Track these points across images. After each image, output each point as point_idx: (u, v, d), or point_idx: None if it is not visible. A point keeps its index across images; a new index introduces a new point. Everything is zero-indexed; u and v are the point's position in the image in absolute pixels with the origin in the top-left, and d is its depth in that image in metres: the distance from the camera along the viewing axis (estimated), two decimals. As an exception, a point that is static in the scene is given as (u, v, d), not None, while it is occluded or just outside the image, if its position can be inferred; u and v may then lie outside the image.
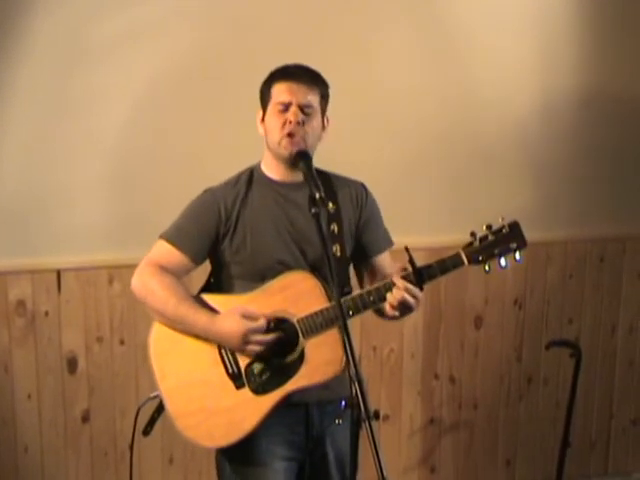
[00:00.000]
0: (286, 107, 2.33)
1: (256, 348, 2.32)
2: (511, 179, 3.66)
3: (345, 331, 2.06)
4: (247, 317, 2.31)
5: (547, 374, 3.89)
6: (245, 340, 2.30)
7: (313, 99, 2.36)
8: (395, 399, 3.71)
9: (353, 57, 3.41)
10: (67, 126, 3.17)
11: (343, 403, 2.05)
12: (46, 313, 3.23)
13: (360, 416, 1.99)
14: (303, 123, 2.33)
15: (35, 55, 3.08)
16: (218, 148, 3.22)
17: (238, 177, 2.46)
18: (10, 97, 3.10)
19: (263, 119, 2.40)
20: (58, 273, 3.22)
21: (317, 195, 2.20)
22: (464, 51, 3.56)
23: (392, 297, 2.29)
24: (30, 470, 3.32)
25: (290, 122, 2.32)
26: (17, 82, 3.09)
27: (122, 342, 3.31)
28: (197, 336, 2.36)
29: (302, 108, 2.34)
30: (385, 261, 2.55)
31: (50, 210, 3.20)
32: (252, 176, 2.45)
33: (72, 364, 3.29)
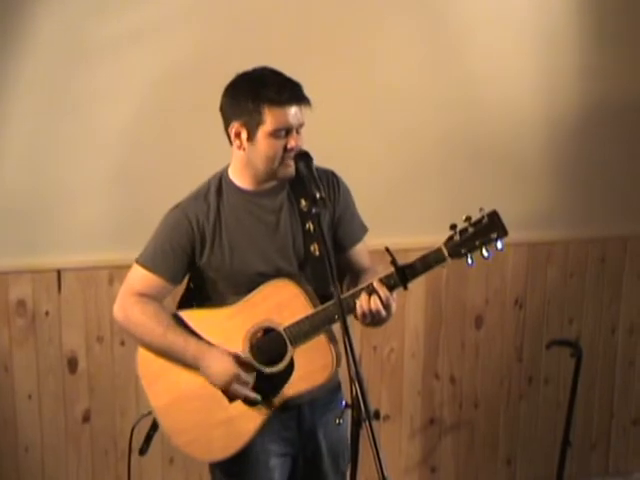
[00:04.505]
0: (285, 132, 2.26)
1: (234, 394, 2.32)
2: (512, 180, 3.66)
3: (345, 330, 2.05)
4: (239, 363, 2.29)
5: (548, 374, 3.89)
6: (228, 385, 2.29)
7: (304, 115, 2.30)
8: (395, 399, 3.71)
9: (354, 59, 3.40)
10: (68, 126, 3.16)
11: (343, 403, 2.06)
12: (46, 313, 3.23)
13: (360, 416, 1.99)
14: (301, 144, 2.29)
15: (38, 53, 3.08)
16: (220, 148, 3.20)
17: (207, 189, 2.39)
18: (12, 96, 3.09)
19: (249, 138, 2.28)
20: (58, 273, 3.22)
21: (318, 195, 2.19)
22: (465, 52, 3.55)
23: (365, 304, 2.25)
24: (30, 470, 3.32)
25: (292, 149, 2.26)
26: (19, 81, 3.09)
27: (122, 342, 3.31)
28: (184, 364, 2.34)
29: (298, 129, 2.29)
30: (361, 251, 2.51)
31: (51, 210, 3.20)
32: (221, 186, 2.39)
33: (72, 364, 3.29)
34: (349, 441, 2.09)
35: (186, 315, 2.39)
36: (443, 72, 3.54)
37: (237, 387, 2.29)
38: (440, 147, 3.58)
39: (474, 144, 3.62)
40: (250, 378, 2.31)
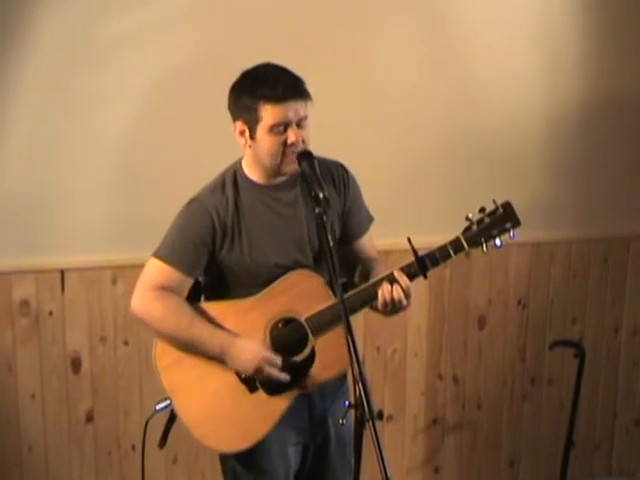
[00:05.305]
0: (283, 128, 2.27)
1: (267, 377, 2.33)
2: (514, 180, 3.65)
3: (349, 331, 2.06)
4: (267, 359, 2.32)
5: (551, 374, 3.89)
6: (259, 370, 2.31)
7: (304, 108, 2.30)
8: (399, 399, 3.71)
9: (354, 59, 3.40)
10: (70, 126, 3.17)
11: (347, 403, 2.07)
12: (50, 313, 3.23)
13: (364, 416, 1.99)
14: (302, 138, 2.30)
15: (39, 55, 3.08)
16: (222, 148, 3.20)
17: (222, 182, 2.41)
18: (14, 97, 3.10)
19: (252, 136, 2.31)
20: (62, 273, 3.22)
21: (321, 195, 2.19)
22: (466, 52, 3.55)
23: (387, 293, 2.31)
24: (34, 469, 3.32)
25: (293, 144, 2.28)
26: (21, 82, 3.09)
27: (126, 342, 3.31)
28: (210, 357, 2.35)
29: (298, 123, 2.29)
30: (368, 241, 2.56)
31: (54, 210, 3.20)
32: (236, 180, 2.40)
33: (76, 364, 3.29)
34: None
35: (207, 307, 2.40)
36: (444, 72, 3.53)
37: (268, 369, 2.31)
38: (441, 147, 3.58)
39: (475, 144, 3.61)
40: (279, 359, 2.32)
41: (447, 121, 3.56)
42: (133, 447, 3.37)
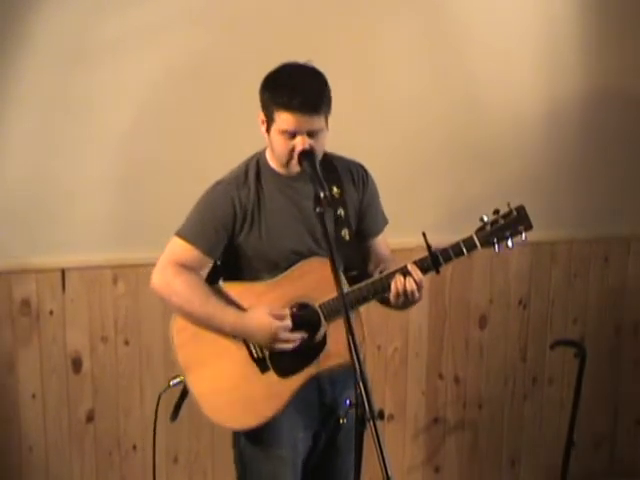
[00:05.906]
0: (293, 134, 2.32)
1: (285, 346, 2.37)
2: (515, 180, 3.65)
3: (349, 331, 2.07)
4: (275, 316, 2.36)
5: (552, 374, 3.89)
6: (274, 338, 2.35)
7: (319, 122, 2.34)
8: (399, 399, 3.71)
9: (356, 62, 3.40)
10: (71, 126, 3.16)
11: (348, 402, 2.07)
12: (50, 312, 3.23)
13: (364, 415, 1.99)
14: (310, 146, 2.33)
15: (39, 55, 3.08)
16: (222, 149, 3.21)
17: (246, 171, 2.46)
18: (14, 97, 3.09)
19: (267, 129, 2.38)
20: (62, 272, 3.22)
21: (322, 194, 2.22)
22: (469, 54, 3.55)
23: (400, 284, 2.35)
24: (34, 469, 3.32)
25: (298, 151, 2.33)
26: (21, 82, 3.08)
27: (127, 342, 3.31)
28: (223, 332, 2.40)
29: (309, 133, 2.33)
30: (381, 242, 2.62)
31: (54, 209, 3.19)
32: (259, 169, 2.46)
33: (76, 364, 3.29)
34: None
35: (224, 287, 2.46)
36: (446, 74, 3.54)
37: (282, 336, 2.36)
38: (443, 149, 3.58)
39: (477, 145, 3.62)
40: (288, 320, 2.37)
41: (448, 123, 3.56)
42: (134, 447, 3.37)
